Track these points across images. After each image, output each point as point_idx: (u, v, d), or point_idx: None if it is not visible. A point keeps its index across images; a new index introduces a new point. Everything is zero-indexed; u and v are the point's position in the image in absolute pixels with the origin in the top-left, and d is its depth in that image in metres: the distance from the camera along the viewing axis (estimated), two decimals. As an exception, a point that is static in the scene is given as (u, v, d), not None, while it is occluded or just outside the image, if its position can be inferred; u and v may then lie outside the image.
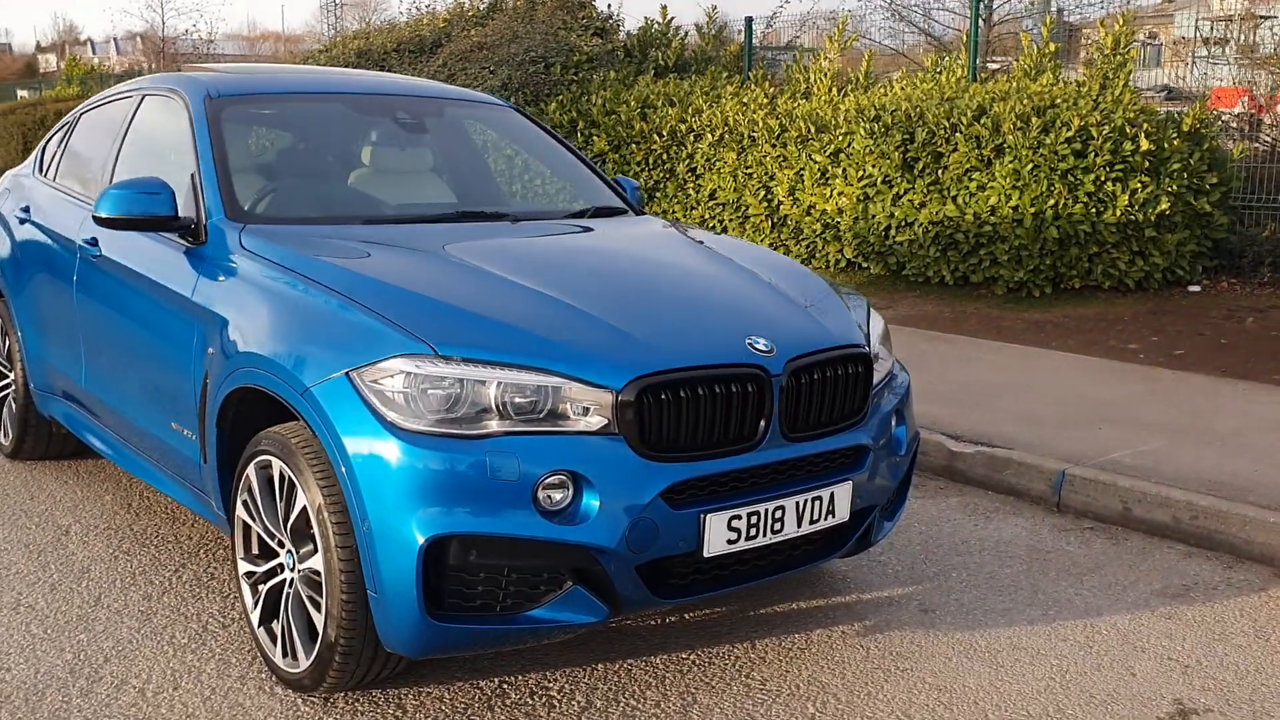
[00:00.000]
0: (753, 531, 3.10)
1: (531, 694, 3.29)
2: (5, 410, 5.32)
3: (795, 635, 3.69)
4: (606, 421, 2.92)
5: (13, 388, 5.19)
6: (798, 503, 3.17)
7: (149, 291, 3.91)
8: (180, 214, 3.78)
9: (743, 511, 3.06)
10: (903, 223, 8.96)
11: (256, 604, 3.31)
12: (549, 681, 3.36)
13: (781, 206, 9.86)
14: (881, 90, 9.79)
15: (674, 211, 10.89)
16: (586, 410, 2.93)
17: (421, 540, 2.79)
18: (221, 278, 3.57)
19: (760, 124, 9.98)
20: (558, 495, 2.87)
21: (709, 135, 10.42)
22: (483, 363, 2.91)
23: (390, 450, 2.83)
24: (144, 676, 3.37)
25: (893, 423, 3.57)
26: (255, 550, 3.34)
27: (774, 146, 9.91)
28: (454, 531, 2.81)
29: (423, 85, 4.97)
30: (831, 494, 3.25)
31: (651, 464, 2.94)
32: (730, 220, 10.39)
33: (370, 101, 4.59)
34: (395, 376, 2.89)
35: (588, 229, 4.18)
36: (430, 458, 2.81)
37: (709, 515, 3.01)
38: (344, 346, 3.02)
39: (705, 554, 3.03)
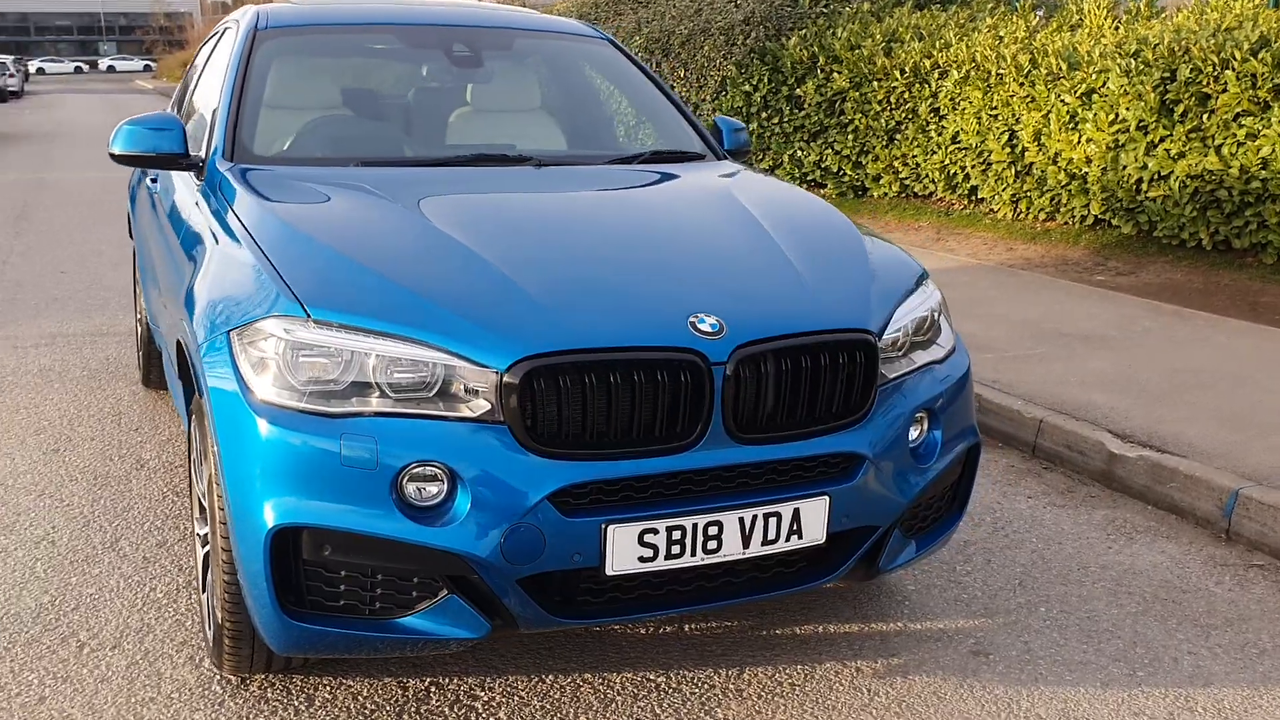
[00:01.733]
0: (675, 549, 2.56)
1: (454, 702, 2.91)
2: (139, 339, 5.53)
3: (797, 667, 3.12)
4: (490, 407, 2.47)
5: (138, 319, 5.46)
6: (742, 519, 2.60)
7: (167, 229, 3.84)
8: (192, 151, 3.60)
9: (660, 525, 2.53)
10: (1156, 175, 7.74)
11: (199, 569, 3.12)
12: (481, 690, 2.98)
13: (1026, 153, 8.79)
14: (1152, 22, 8.47)
15: (914, 156, 9.98)
16: (476, 393, 2.49)
17: (267, 529, 2.46)
18: (197, 221, 3.37)
19: (1009, 60, 8.90)
20: (430, 490, 2.46)
21: (954, 72, 9.43)
22: (362, 331, 2.52)
23: (248, 424, 2.51)
24: (95, 631, 3.26)
25: (923, 425, 2.90)
26: (197, 512, 3.13)
27: (1021, 85, 8.82)
28: (302, 523, 2.46)
29: (501, 15, 4.57)
30: (795, 510, 2.65)
31: (541, 461, 2.47)
32: (973, 167, 9.39)
33: (430, 33, 4.24)
34: (267, 340, 2.56)
35: (612, 178, 3.69)
36: (285, 436, 2.47)
37: (613, 527, 2.50)
38: (236, 303, 2.72)
39: (608, 572, 2.53)
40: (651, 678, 3.05)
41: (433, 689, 2.98)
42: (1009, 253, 8.60)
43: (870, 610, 3.44)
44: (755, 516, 2.62)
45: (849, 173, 10.75)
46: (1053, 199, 8.76)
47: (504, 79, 4.28)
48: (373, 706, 2.90)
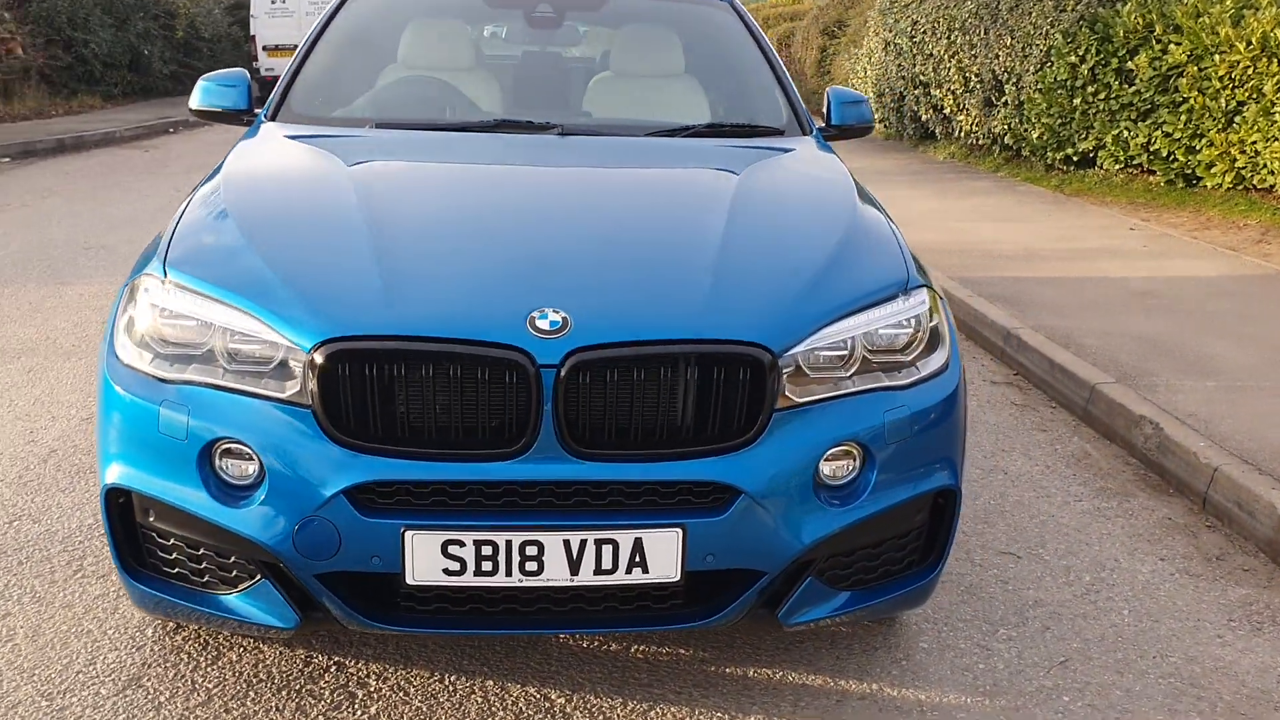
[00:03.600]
0: (486, 566, 2.32)
1: (341, 686, 2.82)
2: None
3: (715, 706, 2.77)
4: (299, 389, 2.33)
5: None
6: (567, 542, 2.31)
7: None
8: (255, 108, 3.71)
9: (467, 538, 2.29)
10: None
11: None
12: (374, 679, 2.86)
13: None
14: None
15: (1253, 143, 8.62)
16: (294, 374, 2.37)
17: (103, 487, 2.48)
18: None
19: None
20: (243, 469, 2.37)
21: (1310, 46, 8.03)
22: (209, 299, 2.46)
23: (103, 378, 2.54)
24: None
25: (854, 459, 2.46)
26: None
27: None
28: (128, 486, 2.45)
29: None
30: (637, 541, 2.32)
31: (343, 453, 2.31)
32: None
33: None
34: (134, 298, 2.56)
35: (624, 152, 3.40)
36: (121, 397, 2.47)
37: (414, 533, 2.29)
38: (144, 259, 2.75)
39: (409, 581, 2.33)
40: (553, 697, 2.81)
41: (333, 668, 2.90)
42: (1339, 264, 7.26)
43: (851, 665, 2.99)
44: (585, 542, 2.31)
45: (1179, 158, 9.48)
46: None
47: (587, 41, 4.05)
48: (264, 674, 2.86)
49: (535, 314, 2.32)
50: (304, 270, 2.48)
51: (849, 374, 2.52)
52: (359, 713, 2.72)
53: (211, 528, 2.38)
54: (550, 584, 2.35)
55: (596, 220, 2.83)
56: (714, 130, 3.60)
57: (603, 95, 3.89)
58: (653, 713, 2.74)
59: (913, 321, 2.63)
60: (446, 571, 2.32)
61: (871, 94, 14.11)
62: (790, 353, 2.42)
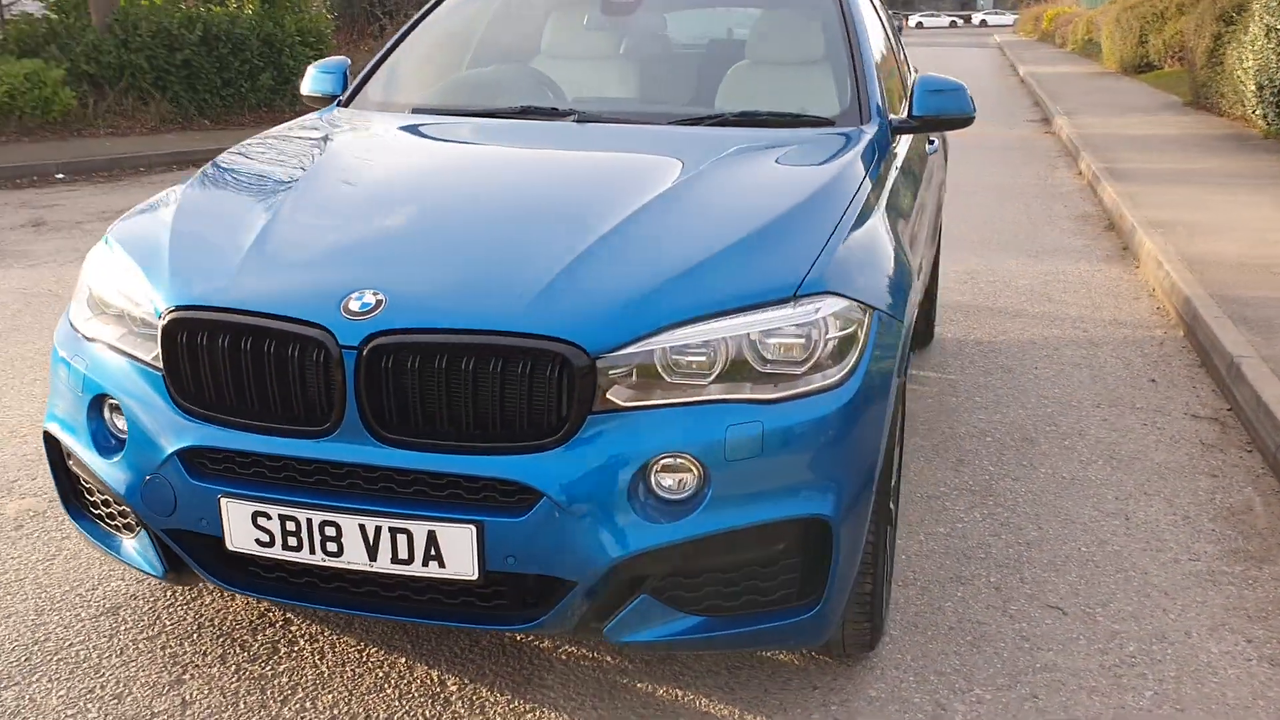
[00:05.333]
0: (291, 541, 2.36)
1: (273, 641, 2.99)
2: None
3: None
4: (157, 353, 2.50)
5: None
6: (363, 526, 2.31)
7: None
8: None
9: (273, 511, 2.35)
10: None
11: None
12: (318, 635, 3.00)
13: None
14: None
15: None
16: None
17: (44, 430, 2.77)
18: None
19: None
20: (120, 425, 2.58)
21: None
22: (125, 263, 2.69)
23: (55, 334, 2.83)
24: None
25: (694, 472, 2.29)
26: None
27: None
28: (53, 432, 2.73)
29: None
30: (430, 533, 2.28)
31: (183, 417, 2.44)
32: None
33: None
34: (87, 262, 2.84)
35: (626, 140, 3.29)
36: (57, 350, 2.75)
37: (229, 501, 2.39)
38: None
39: (229, 546, 2.43)
40: (449, 685, 2.81)
41: (279, 623, 3.06)
42: None
43: (774, 699, 2.77)
44: (380, 529, 2.30)
45: None
46: None
47: (665, 27, 3.93)
48: (218, 620, 3.06)
49: (353, 295, 2.32)
50: (193, 243, 2.63)
51: (708, 380, 2.32)
52: (273, 668, 2.85)
53: (93, 474, 2.58)
54: (351, 567, 2.34)
55: (496, 205, 2.78)
56: (745, 119, 3.39)
57: (650, 79, 3.78)
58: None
59: (804, 331, 2.38)
60: (258, 542, 2.38)
61: (1251, 86, 12.52)
62: (621, 353, 2.27)
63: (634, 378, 2.30)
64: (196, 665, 2.87)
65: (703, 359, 2.32)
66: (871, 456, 2.47)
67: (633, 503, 2.26)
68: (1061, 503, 3.89)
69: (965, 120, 3.55)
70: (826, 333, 2.40)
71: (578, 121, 3.41)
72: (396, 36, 4.03)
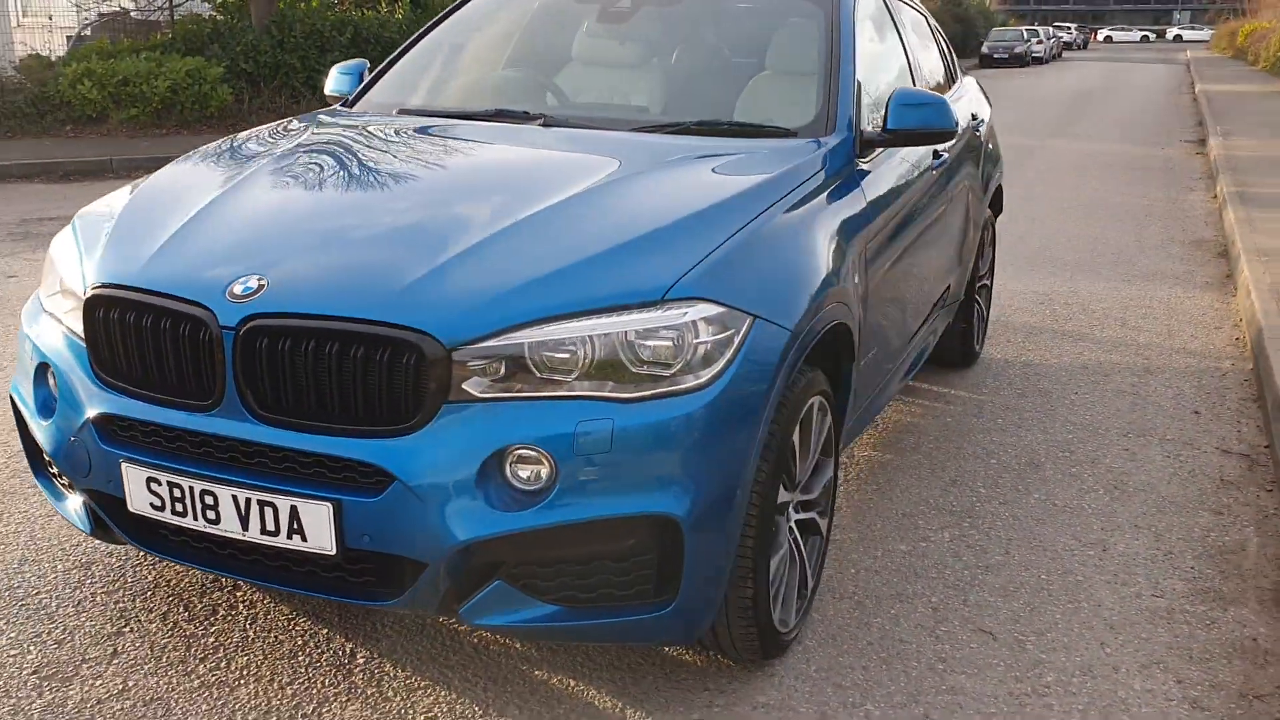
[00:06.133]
0: (178, 507, 2.54)
1: (213, 604, 3.20)
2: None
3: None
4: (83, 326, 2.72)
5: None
6: (235, 497, 2.47)
7: None
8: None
9: (162, 477, 2.54)
10: None
11: None
12: (256, 602, 3.20)
13: None
14: None
15: None
16: None
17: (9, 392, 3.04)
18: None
19: None
20: (55, 391, 2.81)
21: None
22: (73, 245, 2.94)
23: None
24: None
25: (546, 465, 2.37)
26: None
27: None
28: (12, 393, 2.99)
29: None
30: (293, 508, 2.43)
31: (98, 385, 2.66)
32: None
33: None
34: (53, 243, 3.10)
35: (575, 142, 3.36)
36: (23, 320, 3.00)
37: (128, 465, 2.58)
38: None
39: (130, 508, 2.63)
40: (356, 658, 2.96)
41: (225, 589, 3.26)
42: None
43: (632, 684, 2.82)
44: (249, 500, 2.46)
45: None
46: None
47: (658, 34, 3.99)
48: (174, 581, 3.28)
49: (239, 280, 2.48)
50: (128, 230, 2.85)
51: (572, 377, 2.40)
52: (205, 628, 3.06)
53: (28, 435, 2.82)
54: (230, 534, 2.50)
55: (406, 202, 2.90)
56: (705, 128, 3.43)
57: (628, 85, 3.84)
58: None
59: (673, 334, 2.43)
60: (152, 505, 2.57)
61: None
62: (479, 345, 2.37)
63: (502, 370, 2.38)
64: (139, 620, 3.09)
65: (567, 356, 2.39)
66: (736, 461, 2.49)
67: (481, 490, 2.35)
68: (1041, 529, 3.80)
69: (944, 135, 3.52)
70: (697, 336, 2.44)
71: (543, 125, 3.51)
72: (408, 42, 4.21)
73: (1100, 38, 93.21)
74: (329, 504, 2.39)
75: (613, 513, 2.38)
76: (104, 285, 2.63)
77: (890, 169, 3.68)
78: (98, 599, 3.19)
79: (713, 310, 2.48)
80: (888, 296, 3.64)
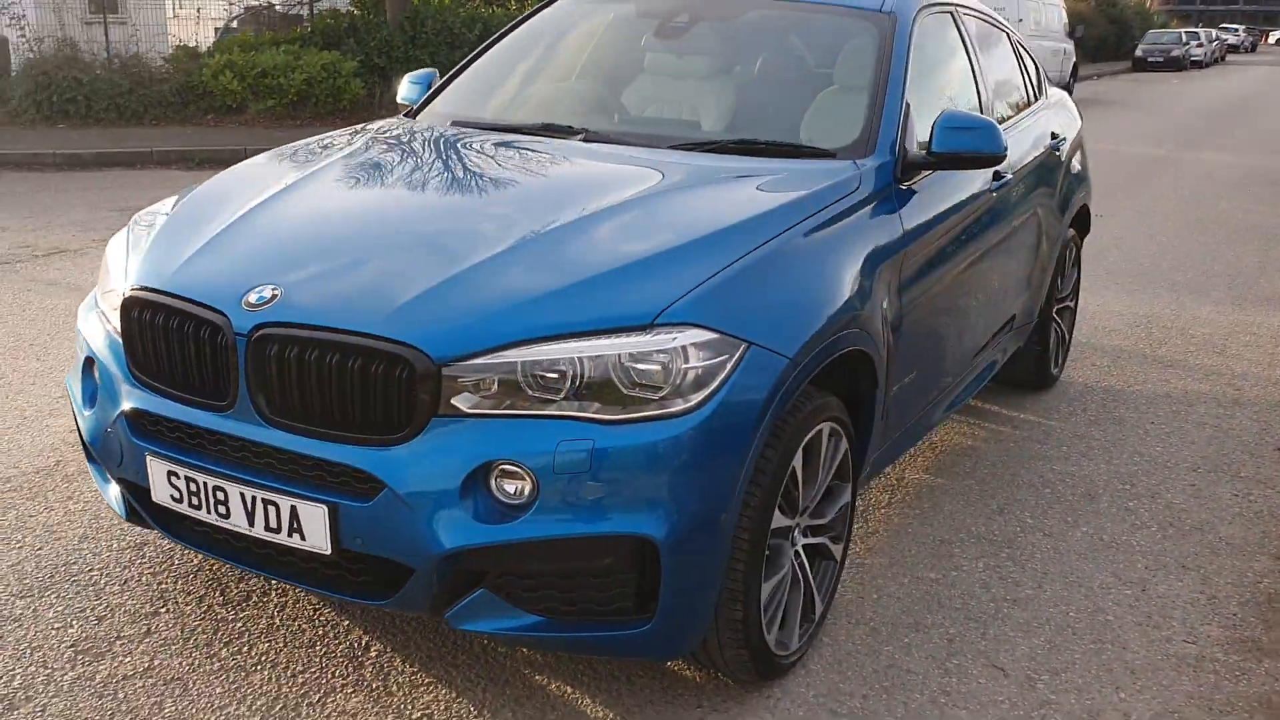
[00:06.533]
0: (194, 501, 2.69)
1: (197, 591, 3.37)
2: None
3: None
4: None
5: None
6: (243, 494, 2.61)
7: None
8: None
9: (181, 472, 2.69)
10: None
11: None
12: (246, 582, 3.36)
13: None
14: None
15: None
16: None
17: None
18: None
19: None
20: (94, 379, 3.00)
21: None
22: (128, 244, 3.14)
23: None
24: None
25: (527, 481, 2.45)
26: None
27: None
28: (68, 385, 3.20)
29: None
30: (293, 508, 2.55)
31: (131, 382, 2.83)
32: None
33: (675, 3, 4.16)
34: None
35: (616, 159, 3.41)
36: (79, 315, 3.22)
37: (153, 459, 2.75)
38: None
39: (154, 498, 2.79)
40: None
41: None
42: None
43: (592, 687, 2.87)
44: (255, 498, 2.59)
45: None
46: None
47: (714, 49, 4.01)
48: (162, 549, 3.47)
49: (255, 289, 2.62)
50: (170, 234, 3.02)
51: (560, 397, 2.47)
52: (235, 613, 3.22)
53: (81, 426, 3.02)
54: (238, 529, 2.64)
55: (425, 217, 3.01)
56: (741, 147, 3.45)
57: (675, 101, 3.86)
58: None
59: (663, 358, 2.48)
60: (171, 497, 2.72)
61: None
62: (469, 363, 2.45)
63: (496, 387, 2.46)
64: (176, 602, 3.27)
65: (558, 376, 2.46)
66: (721, 486, 2.52)
67: (466, 501, 2.44)
68: (1082, 565, 3.72)
69: (992, 159, 3.47)
70: (686, 361, 2.48)
71: (584, 140, 3.57)
72: (473, 54, 4.32)
73: (1271, 40, 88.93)
74: (325, 506, 2.50)
75: (591, 531, 2.44)
76: (139, 287, 2.79)
77: (938, 192, 3.63)
78: (143, 579, 3.38)
79: (704, 336, 2.51)
80: (932, 321, 3.61)
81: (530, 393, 2.46)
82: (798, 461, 2.79)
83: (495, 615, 2.55)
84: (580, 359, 2.45)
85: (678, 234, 2.80)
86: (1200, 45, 45.46)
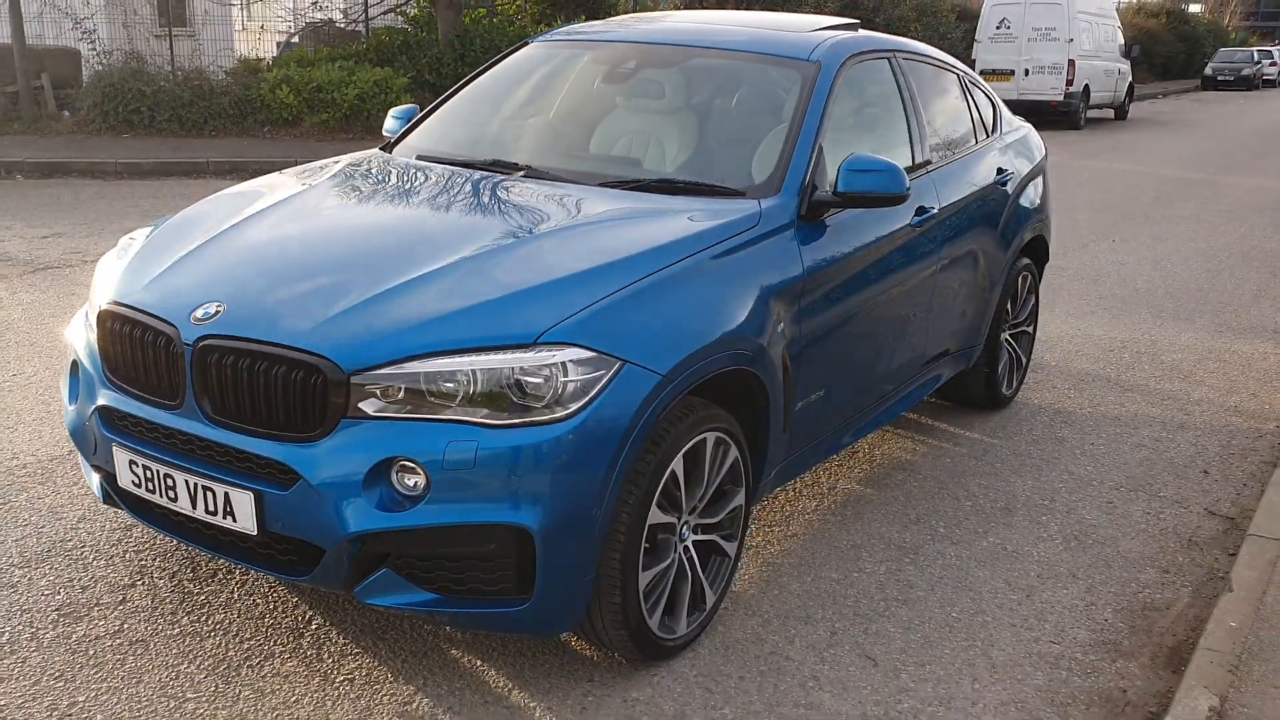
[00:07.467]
0: (150, 486, 3.14)
1: (174, 569, 3.82)
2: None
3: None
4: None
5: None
6: (188, 481, 3.05)
7: None
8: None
9: (140, 460, 3.15)
10: None
11: None
12: (217, 570, 3.81)
13: None
14: None
15: None
16: None
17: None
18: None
19: None
20: (79, 379, 3.47)
21: None
22: (114, 262, 3.62)
23: None
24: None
25: (419, 476, 2.86)
26: None
27: None
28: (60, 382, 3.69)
29: (712, 33, 4.53)
30: (226, 494, 2.99)
31: (105, 381, 3.29)
32: None
33: (631, 51, 4.56)
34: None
35: (543, 195, 3.79)
36: (71, 325, 3.70)
37: (118, 448, 3.21)
38: None
39: (119, 483, 3.25)
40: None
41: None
42: None
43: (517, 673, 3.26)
44: (197, 485, 3.03)
45: None
46: None
47: (659, 93, 4.40)
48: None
49: (203, 305, 3.07)
50: (146, 255, 3.48)
51: (455, 403, 2.88)
52: (201, 588, 3.65)
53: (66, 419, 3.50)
54: (184, 511, 3.09)
55: (361, 242, 3.43)
56: (662, 185, 3.83)
57: (612, 141, 4.26)
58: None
59: (544, 373, 2.88)
60: (133, 483, 3.18)
61: None
62: (374, 372, 2.86)
63: (401, 394, 2.88)
64: (152, 576, 3.72)
65: (453, 385, 2.87)
66: (592, 484, 2.90)
67: (368, 492, 2.85)
68: (978, 571, 4.03)
69: (894, 199, 3.81)
70: (565, 375, 2.88)
71: (524, 177, 3.99)
72: (447, 94, 4.76)
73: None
74: (252, 493, 2.93)
75: (475, 520, 2.84)
76: (113, 302, 3.26)
77: (851, 227, 3.98)
78: (126, 556, 3.84)
79: (582, 354, 2.91)
80: (841, 346, 3.96)
81: (429, 399, 2.87)
82: (678, 465, 3.16)
83: (396, 591, 2.95)
84: (474, 371, 2.86)
85: (579, 262, 3.20)
86: (1274, 64, 44.79)
